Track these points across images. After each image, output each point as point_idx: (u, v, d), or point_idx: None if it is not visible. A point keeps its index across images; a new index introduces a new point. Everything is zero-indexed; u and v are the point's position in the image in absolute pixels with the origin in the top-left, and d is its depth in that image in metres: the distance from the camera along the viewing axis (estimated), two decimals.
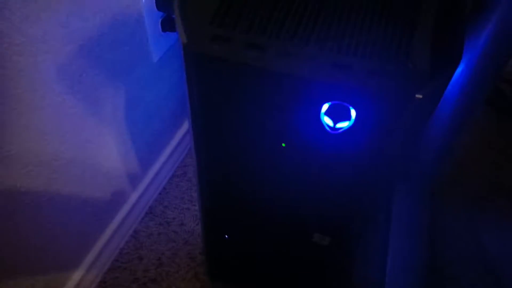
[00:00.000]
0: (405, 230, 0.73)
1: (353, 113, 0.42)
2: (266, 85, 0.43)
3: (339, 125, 0.43)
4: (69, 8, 0.61)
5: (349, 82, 0.39)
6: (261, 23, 0.44)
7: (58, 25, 0.61)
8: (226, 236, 0.73)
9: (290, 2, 0.46)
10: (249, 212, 0.66)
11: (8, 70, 0.56)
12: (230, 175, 0.60)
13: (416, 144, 0.48)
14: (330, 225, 0.62)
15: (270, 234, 0.69)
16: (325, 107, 0.42)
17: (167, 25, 0.84)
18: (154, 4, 0.79)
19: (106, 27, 0.70)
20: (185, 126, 1.09)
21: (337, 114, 0.42)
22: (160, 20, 0.82)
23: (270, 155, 0.52)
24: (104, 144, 0.80)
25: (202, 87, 0.46)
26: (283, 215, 0.63)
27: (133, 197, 0.94)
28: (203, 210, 0.70)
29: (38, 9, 0.57)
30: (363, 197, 0.55)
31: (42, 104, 0.63)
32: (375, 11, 0.45)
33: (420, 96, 0.39)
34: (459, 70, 0.50)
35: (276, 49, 0.42)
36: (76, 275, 0.84)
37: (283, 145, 0.49)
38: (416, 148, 0.50)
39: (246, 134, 0.50)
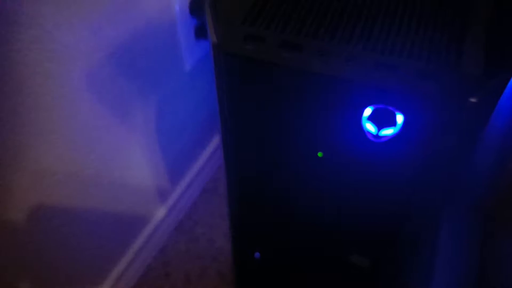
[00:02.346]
0: (453, 258, 0.67)
1: (399, 119, 0.38)
2: (302, 88, 0.40)
3: (383, 133, 0.39)
4: (101, 16, 0.61)
5: (396, 83, 0.35)
6: (297, 22, 0.41)
7: (89, 32, 0.61)
8: (257, 253, 0.70)
9: (329, 0, 0.42)
10: (281, 228, 0.62)
11: (39, 76, 0.55)
12: (261, 188, 0.56)
13: (467, 159, 0.43)
14: (370, 246, 0.58)
15: (303, 252, 0.65)
16: (367, 112, 0.38)
17: (201, 32, 0.82)
18: (188, 11, 0.78)
19: (138, 34, 0.69)
20: (217, 138, 1.07)
21: (381, 119, 0.38)
22: (193, 28, 0.81)
23: (305, 166, 0.48)
24: (134, 155, 0.79)
25: (233, 90, 0.43)
26: (319, 232, 0.59)
27: (162, 211, 0.93)
28: (233, 226, 0.68)
29: (70, 16, 0.57)
30: (408, 216, 0.50)
31: (72, 111, 0.62)
32: (422, 10, 0.42)
33: (474, 100, 0.34)
34: None
35: (314, 48, 0.38)
36: None
37: (320, 154, 0.45)
38: (467, 164, 0.45)
39: (279, 143, 0.47)
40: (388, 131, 0.39)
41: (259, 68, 0.39)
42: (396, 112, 0.37)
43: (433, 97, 0.35)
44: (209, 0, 0.42)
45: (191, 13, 0.78)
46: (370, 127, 0.39)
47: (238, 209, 0.63)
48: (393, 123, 0.38)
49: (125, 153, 0.77)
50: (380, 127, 0.39)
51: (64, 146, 0.63)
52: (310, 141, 0.44)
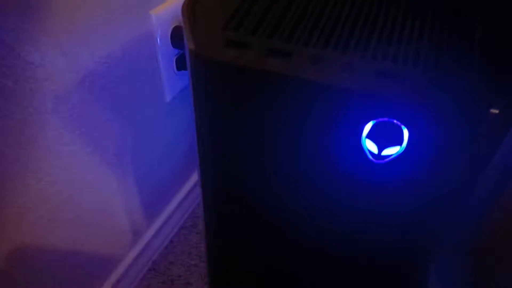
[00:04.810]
0: None
1: (405, 135, 0.33)
2: (292, 99, 0.34)
3: (385, 152, 0.34)
4: (72, 37, 0.57)
5: (401, 93, 0.31)
6: (286, 28, 0.36)
7: (59, 51, 0.56)
8: None
9: (323, 6, 0.38)
10: (266, 269, 0.55)
11: None
12: (243, 223, 0.50)
13: (474, 185, 0.39)
14: (364, 280, 0.51)
15: None
16: (367, 128, 0.33)
17: (182, 64, 0.81)
18: (169, 42, 0.76)
19: (114, 59, 0.66)
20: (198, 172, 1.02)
21: (383, 137, 0.33)
22: (174, 58, 0.79)
23: (294, 190, 0.42)
24: (104, 188, 0.73)
25: (212, 103, 0.38)
26: (309, 274, 0.52)
27: (135, 250, 0.86)
28: (211, 268, 0.61)
29: (37, 31, 0.52)
30: (408, 247, 0.45)
31: (35, 137, 0.57)
32: (425, 15, 0.38)
33: (496, 112, 0.30)
34: None
35: (305, 55, 0.33)
36: None
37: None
38: (472, 193, 0.40)
39: (264, 165, 0.41)
40: (392, 150, 0.33)
41: (241, 76, 0.34)
42: (402, 127, 0.32)
43: (446, 109, 0.30)
44: (187, 2, 0.37)
45: (173, 44, 0.77)
46: (370, 145, 0.34)
47: (216, 248, 0.57)
48: (398, 140, 0.33)
49: (95, 184, 0.70)
50: (382, 146, 0.34)
51: (22, 174, 0.57)
52: (301, 162, 0.39)
